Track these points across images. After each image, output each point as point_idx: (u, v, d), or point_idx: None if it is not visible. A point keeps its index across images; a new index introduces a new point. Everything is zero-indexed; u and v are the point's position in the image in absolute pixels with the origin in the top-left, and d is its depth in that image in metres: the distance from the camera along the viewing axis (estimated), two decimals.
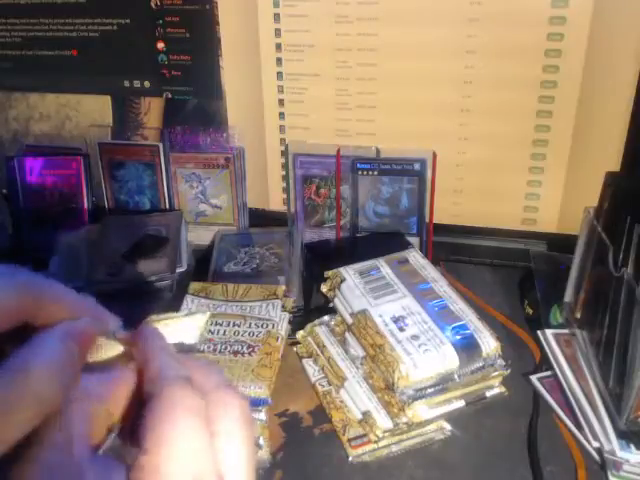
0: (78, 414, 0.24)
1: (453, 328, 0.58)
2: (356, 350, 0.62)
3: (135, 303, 0.74)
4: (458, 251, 0.86)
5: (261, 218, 0.93)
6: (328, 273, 0.68)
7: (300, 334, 0.69)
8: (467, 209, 0.85)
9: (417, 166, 0.81)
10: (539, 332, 0.67)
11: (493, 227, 0.85)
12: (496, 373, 0.59)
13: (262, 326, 0.67)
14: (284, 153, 0.88)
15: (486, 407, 0.60)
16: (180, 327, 0.30)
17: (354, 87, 0.83)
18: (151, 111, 0.93)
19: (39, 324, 0.26)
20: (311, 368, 0.66)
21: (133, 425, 0.25)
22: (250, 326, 0.67)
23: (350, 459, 0.57)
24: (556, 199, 0.81)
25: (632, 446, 0.54)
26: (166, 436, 0.23)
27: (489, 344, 0.58)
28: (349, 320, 0.63)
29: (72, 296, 0.27)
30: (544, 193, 0.81)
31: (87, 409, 0.24)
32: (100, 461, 0.24)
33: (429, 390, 0.56)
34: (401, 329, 0.58)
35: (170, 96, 0.91)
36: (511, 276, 0.81)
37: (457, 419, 0.59)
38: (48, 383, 0.23)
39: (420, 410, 0.56)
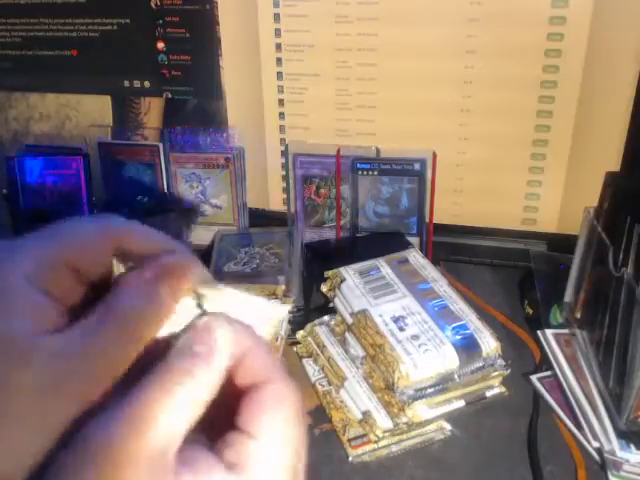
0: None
1: (453, 328, 0.59)
2: (356, 350, 0.62)
3: None
4: (458, 251, 0.86)
5: (261, 218, 0.93)
6: (328, 273, 0.68)
7: (300, 334, 0.69)
8: (467, 209, 0.85)
9: (417, 166, 0.81)
10: (539, 332, 0.67)
11: (493, 227, 0.85)
12: (496, 373, 0.59)
13: None
14: (284, 153, 0.88)
15: (486, 407, 0.60)
16: (254, 314, 0.27)
17: (354, 87, 0.83)
18: (151, 111, 0.93)
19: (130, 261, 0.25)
20: (311, 368, 0.66)
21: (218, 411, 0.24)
22: None
23: (350, 459, 0.57)
24: (556, 199, 0.81)
25: (632, 446, 0.54)
26: (276, 426, 0.24)
27: (489, 344, 0.58)
28: (349, 320, 0.63)
29: (161, 236, 0.27)
30: (544, 193, 0.81)
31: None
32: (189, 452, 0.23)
33: (429, 390, 0.56)
34: (401, 329, 0.58)
35: (170, 96, 0.91)
36: (511, 276, 0.81)
37: (457, 419, 0.59)
38: (146, 322, 0.23)
39: (420, 410, 0.56)
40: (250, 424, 0.24)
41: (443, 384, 0.56)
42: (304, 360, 0.68)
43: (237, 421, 0.24)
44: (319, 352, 0.66)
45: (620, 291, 0.55)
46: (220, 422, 0.24)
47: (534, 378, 0.64)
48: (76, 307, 0.25)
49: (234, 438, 0.23)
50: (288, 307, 0.28)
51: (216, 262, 0.82)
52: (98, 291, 0.25)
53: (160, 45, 0.88)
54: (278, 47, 0.84)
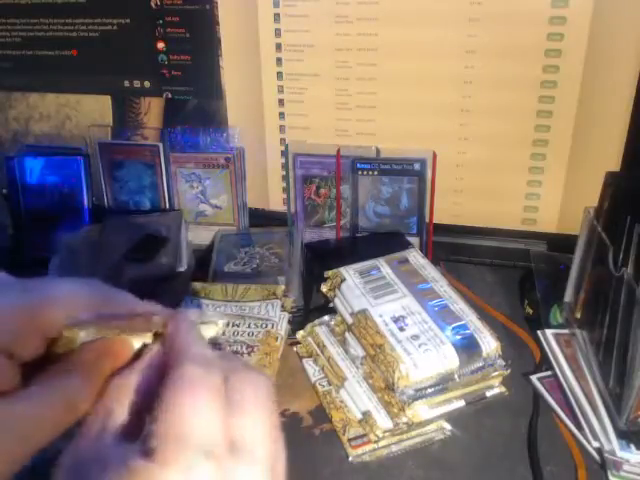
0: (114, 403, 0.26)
1: (453, 328, 0.58)
2: (356, 350, 0.62)
3: None
4: (458, 251, 0.86)
5: (261, 218, 0.93)
6: (328, 273, 0.68)
7: (300, 334, 0.69)
8: (467, 209, 0.85)
9: (417, 166, 0.81)
10: (539, 332, 0.67)
11: (493, 227, 0.85)
12: (496, 373, 0.59)
13: (261, 326, 0.67)
14: (284, 153, 0.88)
15: (486, 407, 0.60)
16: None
17: (354, 87, 0.83)
18: (151, 111, 0.93)
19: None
20: (311, 368, 0.66)
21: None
22: (249, 326, 0.67)
23: (350, 459, 0.57)
24: (556, 199, 0.81)
25: (632, 446, 0.54)
26: (180, 407, 0.24)
27: (489, 344, 0.58)
28: (349, 320, 0.63)
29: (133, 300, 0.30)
30: (544, 193, 0.81)
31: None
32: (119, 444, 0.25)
33: (429, 390, 0.56)
34: (401, 329, 0.58)
35: (170, 96, 0.91)
36: (511, 276, 0.81)
37: (457, 419, 0.59)
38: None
39: (420, 410, 0.56)
40: (157, 408, 0.25)
41: (443, 384, 0.56)
42: (304, 360, 0.68)
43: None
44: (319, 352, 0.66)
45: (620, 291, 0.55)
46: None
47: (534, 378, 0.64)
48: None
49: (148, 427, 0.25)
50: (219, 326, 0.30)
51: (216, 262, 0.83)
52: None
53: (160, 45, 0.88)
54: (278, 47, 0.84)
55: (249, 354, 0.63)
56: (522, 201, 0.82)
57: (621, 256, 0.57)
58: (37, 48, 0.93)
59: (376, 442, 0.57)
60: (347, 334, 0.64)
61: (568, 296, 0.69)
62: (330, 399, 0.62)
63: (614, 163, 0.76)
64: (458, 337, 0.58)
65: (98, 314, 0.28)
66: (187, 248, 0.86)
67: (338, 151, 0.84)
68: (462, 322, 0.59)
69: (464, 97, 0.79)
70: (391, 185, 0.83)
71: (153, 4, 0.86)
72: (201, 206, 0.92)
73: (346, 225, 0.87)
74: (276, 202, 0.93)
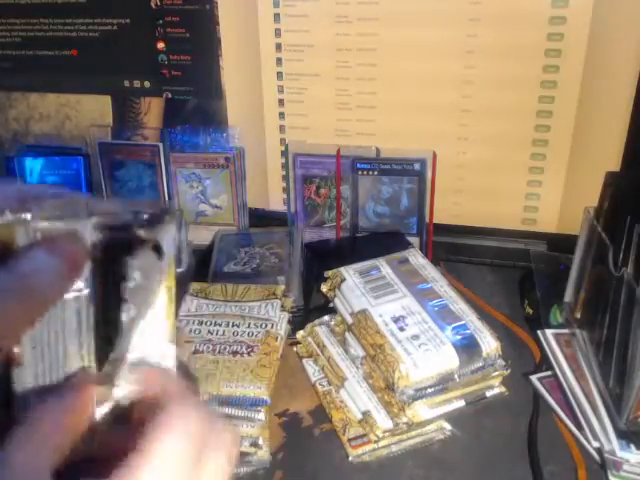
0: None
1: (453, 328, 0.59)
2: (356, 350, 0.62)
3: None
4: (458, 251, 0.86)
5: (261, 218, 0.93)
6: (328, 273, 0.68)
7: (300, 334, 0.69)
8: (467, 209, 0.85)
9: (417, 166, 0.81)
10: (539, 332, 0.67)
11: (493, 227, 0.85)
12: (496, 373, 0.59)
13: (261, 326, 0.67)
14: (284, 153, 0.88)
15: (486, 407, 0.60)
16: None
17: (354, 87, 0.83)
18: (151, 111, 0.93)
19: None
20: (311, 368, 0.66)
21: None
22: (249, 326, 0.67)
23: (350, 459, 0.57)
24: (556, 199, 0.81)
25: (632, 446, 0.54)
26: (160, 450, 0.23)
27: (489, 344, 0.58)
28: (349, 320, 0.63)
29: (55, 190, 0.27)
30: (544, 193, 0.81)
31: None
32: None
33: (429, 390, 0.56)
34: (401, 329, 0.58)
35: (170, 96, 0.91)
36: (511, 276, 0.82)
37: (457, 419, 0.59)
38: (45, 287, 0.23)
39: (420, 410, 0.56)
40: (139, 441, 0.23)
41: (443, 384, 0.56)
42: (304, 360, 0.68)
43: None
44: (319, 352, 0.66)
45: (620, 291, 0.55)
46: None
47: (534, 378, 0.64)
48: None
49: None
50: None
51: (216, 262, 0.83)
52: None
53: (160, 45, 0.88)
54: (278, 47, 0.84)
55: (249, 354, 0.63)
56: (522, 201, 0.82)
57: (621, 256, 0.57)
58: (37, 48, 0.93)
59: (376, 442, 0.57)
60: (347, 334, 0.64)
61: (568, 296, 0.69)
62: (330, 399, 0.62)
63: (614, 163, 0.76)
64: (458, 337, 0.58)
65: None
66: (187, 248, 0.86)
67: (338, 151, 0.84)
68: (462, 322, 0.59)
69: (464, 97, 0.79)
70: (391, 185, 0.83)
71: (153, 4, 0.86)
72: (201, 206, 0.92)
73: (346, 225, 0.87)
74: (276, 202, 0.93)
